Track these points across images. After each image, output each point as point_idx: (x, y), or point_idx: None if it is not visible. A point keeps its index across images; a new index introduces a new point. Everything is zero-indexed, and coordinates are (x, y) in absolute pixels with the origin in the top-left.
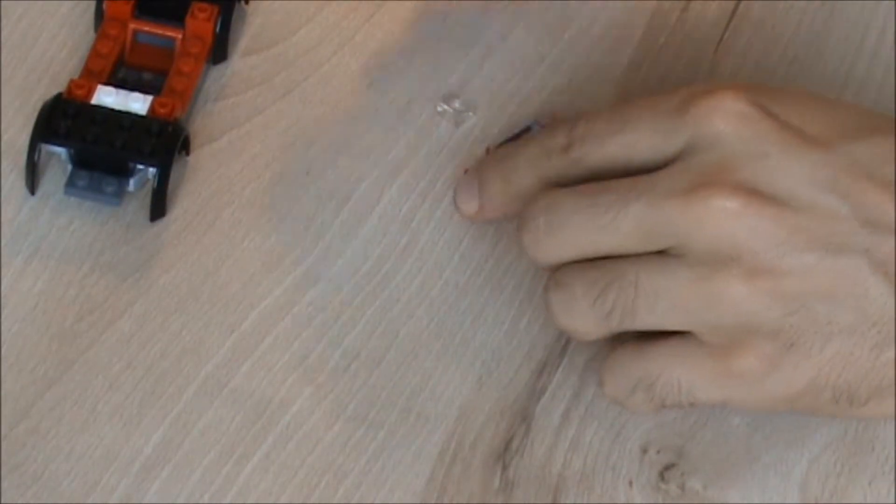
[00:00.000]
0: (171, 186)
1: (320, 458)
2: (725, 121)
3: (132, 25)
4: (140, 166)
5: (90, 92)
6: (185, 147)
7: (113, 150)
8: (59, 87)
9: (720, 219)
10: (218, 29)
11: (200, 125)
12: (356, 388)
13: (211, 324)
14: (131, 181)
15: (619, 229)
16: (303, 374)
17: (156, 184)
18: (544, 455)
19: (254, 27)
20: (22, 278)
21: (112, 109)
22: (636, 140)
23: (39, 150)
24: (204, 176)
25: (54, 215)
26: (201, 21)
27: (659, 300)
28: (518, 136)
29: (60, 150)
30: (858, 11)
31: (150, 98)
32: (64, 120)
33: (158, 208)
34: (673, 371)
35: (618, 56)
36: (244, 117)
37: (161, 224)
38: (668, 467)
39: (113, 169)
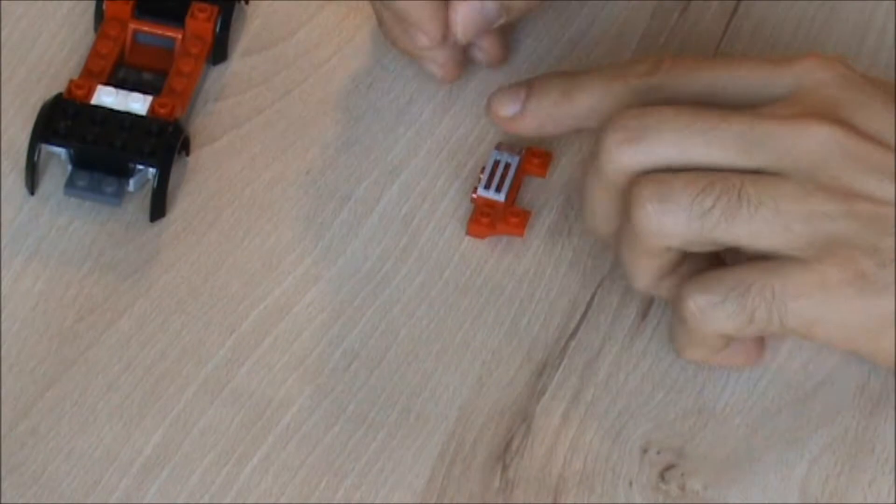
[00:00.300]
0: (171, 186)
1: (320, 458)
2: (829, 72)
3: (132, 25)
4: (140, 166)
5: (90, 92)
6: (185, 147)
7: (113, 150)
8: (59, 87)
9: (823, 141)
10: (218, 29)
11: (200, 125)
12: (356, 388)
13: (211, 324)
14: (131, 181)
15: (719, 136)
16: (303, 374)
17: (156, 184)
18: (544, 455)
19: (254, 27)
20: (22, 278)
21: (112, 109)
22: (734, 76)
23: (39, 150)
24: (204, 176)
25: (54, 215)
26: (201, 21)
27: (761, 208)
28: (493, 170)
29: (60, 150)
30: (858, 11)
31: (150, 98)
32: (64, 120)
33: (158, 208)
34: (768, 278)
35: (618, 56)
36: (244, 117)
37: (161, 224)
38: (669, 468)
39: (113, 169)
